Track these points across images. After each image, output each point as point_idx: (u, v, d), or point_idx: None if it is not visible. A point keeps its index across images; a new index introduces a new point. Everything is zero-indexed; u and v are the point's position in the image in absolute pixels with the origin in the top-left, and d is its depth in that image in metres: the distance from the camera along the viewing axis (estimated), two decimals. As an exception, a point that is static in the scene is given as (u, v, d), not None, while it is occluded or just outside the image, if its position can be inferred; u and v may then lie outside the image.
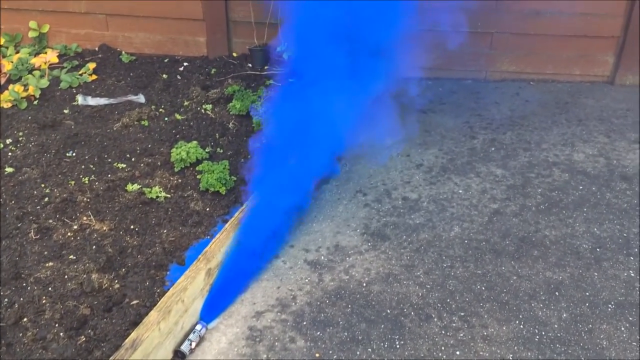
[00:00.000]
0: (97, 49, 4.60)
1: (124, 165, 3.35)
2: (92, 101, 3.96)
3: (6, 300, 2.49)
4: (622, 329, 2.51)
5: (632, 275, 2.77)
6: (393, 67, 4.38)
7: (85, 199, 3.07)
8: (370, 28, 3.37)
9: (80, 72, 4.27)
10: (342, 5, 3.06)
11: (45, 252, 2.75)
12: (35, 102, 3.96)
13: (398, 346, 2.43)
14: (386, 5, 3.39)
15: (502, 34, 4.41)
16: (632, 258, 2.87)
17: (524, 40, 4.41)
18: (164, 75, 4.32)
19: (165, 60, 4.54)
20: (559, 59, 4.46)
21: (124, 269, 2.69)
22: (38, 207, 3.02)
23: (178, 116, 3.82)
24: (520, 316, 2.57)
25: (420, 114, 4.10)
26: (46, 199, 3.07)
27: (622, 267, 2.82)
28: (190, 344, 2.42)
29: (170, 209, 3.05)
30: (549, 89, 4.45)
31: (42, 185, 3.17)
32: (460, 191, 3.34)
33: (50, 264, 2.68)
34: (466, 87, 4.48)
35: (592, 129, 3.92)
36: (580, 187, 3.36)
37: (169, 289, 2.49)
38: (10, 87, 3.97)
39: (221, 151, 3.52)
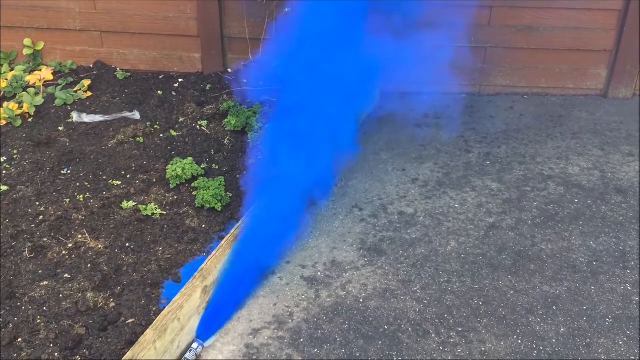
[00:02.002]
0: (92, 65, 4.61)
1: (119, 183, 3.34)
2: (87, 118, 3.96)
3: (0, 320, 2.47)
4: (620, 343, 2.50)
5: (629, 288, 2.77)
6: (387, 82, 4.41)
7: (80, 216, 3.05)
8: (362, 43, 3.39)
9: (75, 89, 4.27)
10: (335, 20, 3.08)
11: (40, 271, 2.73)
12: (30, 120, 3.95)
13: (396, 363, 2.42)
14: (379, 22, 3.42)
15: (496, 49, 4.44)
16: (628, 271, 2.87)
17: (517, 54, 4.44)
18: (159, 92, 4.32)
19: (160, 77, 4.55)
20: (553, 73, 4.49)
21: (119, 287, 2.67)
22: (33, 225, 3.00)
23: (173, 132, 3.82)
24: (518, 331, 2.56)
25: (415, 128, 4.11)
26: (41, 217, 3.05)
27: (618, 281, 2.82)
28: (187, 363, 2.40)
29: (166, 226, 3.04)
30: (542, 102, 4.47)
31: (37, 203, 3.15)
32: (456, 205, 3.34)
33: (45, 283, 2.66)
34: (460, 101, 4.49)
35: (586, 142, 3.94)
36: (576, 201, 3.37)
37: (165, 307, 2.47)
38: (5, 104, 3.97)
39: (217, 167, 3.51)
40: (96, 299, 2.57)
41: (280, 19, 3.80)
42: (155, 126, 3.90)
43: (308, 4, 3.12)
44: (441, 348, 2.48)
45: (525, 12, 4.29)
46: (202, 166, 3.46)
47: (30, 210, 3.10)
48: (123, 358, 2.22)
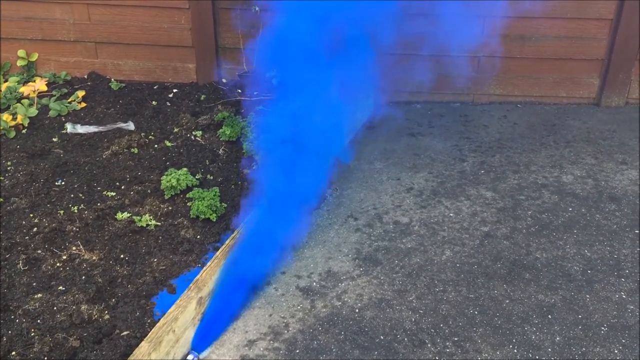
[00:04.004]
0: (86, 76, 4.61)
1: (114, 194, 3.34)
2: (81, 129, 3.95)
3: (-6, 333, 2.46)
4: (616, 351, 2.50)
5: (624, 297, 2.78)
6: (381, 91, 4.43)
7: (74, 228, 3.04)
8: (357, 52, 3.41)
9: (69, 100, 4.27)
10: (327, 29, 3.09)
11: (34, 283, 2.71)
12: (24, 131, 3.94)
13: (392, 373, 2.41)
14: (372, 30, 3.43)
15: (489, 58, 4.46)
16: (623, 279, 2.88)
17: (510, 63, 4.46)
18: (154, 102, 4.32)
19: (155, 87, 4.55)
20: (545, 82, 4.52)
21: (114, 299, 2.66)
22: (27, 237, 2.99)
23: (168, 143, 3.82)
24: (514, 340, 2.56)
25: (410, 137, 4.12)
26: (35, 229, 3.04)
27: (613, 289, 2.83)
28: (182, 375, 2.39)
29: (160, 237, 3.03)
30: (536, 111, 4.49)
31: (31, 215, 3.14)
32: (451, 214, 3.34)
33: (39, 295, 2.65)
34: (454, 110, 4.51)
35: (579, 151, 3.96)
36: (570, 209, 3.38)
37: (159, 319, 2.46)
38: (-1, 116, 3.96)
39: (211, 178, 3.51)
40: (90, 311, 2.55)
41: (270, 28, 3.81)
42: (150, 137, 3.90)
43: (297, 11, 3.14)
44: (437, 358, 2.48)
45: (519, 22, 4.32)
46: (196, 177, 3.46)
47: (24, 222, 3.09)
48: (118, 371, 2.22)
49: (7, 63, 4.59)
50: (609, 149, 3.97)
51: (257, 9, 4.14)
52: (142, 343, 2.32)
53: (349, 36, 3.51)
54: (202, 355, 2.50)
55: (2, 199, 3.26)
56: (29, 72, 4.58)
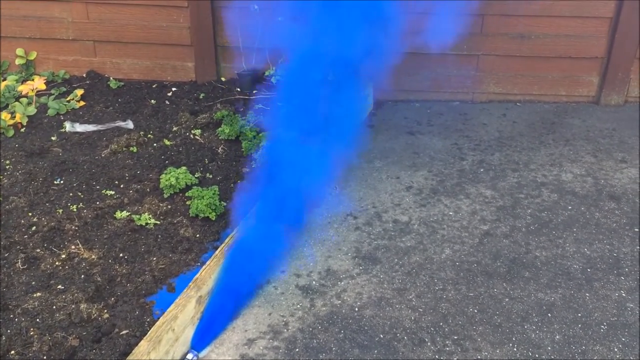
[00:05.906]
0: (85, 75, 4.60)
1: (113, 192, 3.33)
2: (80, 128, 3.95)
3: (-7, 332, 2.45)
4: (616, 350, 2.50)
5: (624, 295, 2.78)
6: (381, 90, 4.42)
7: (73, 227, 3.04)
8: (357, 51, 3.40)
9: (68, 99, 4.26)
10: (328, 28, 3.09)
11: (33, 282, 2.71)
12: (23, 130, 3.94)
13: (392, 372, 2.41)
14: (372, 29, 3.43)
15: (488, 56, 4.46)
16: (622, 278, 2.88)
17: (510, 62, 4.46)
18: (153, 101, 4.32)
19: (154, 86, 4.55)
20: (545, 80, 4.51)
21: (113, 298, 2.65)
22: (25, 236, 2.99)
23: (167, 142, 3.81)
24: (514, 339, 2.56)
25: (409, 136, 4.12)
26: (34, 228, 3.03)
27: (613, 287, 2.82)
28: (182, 374, 2.39)
29: (159, 236, 3.03)
30: (535, 109, 4.49)
31: (30, 214, 3.14)
32: (451, 213, 3.34)
33: (38, 294, 2.64)
34: (453, 108, 4.51)
35: (579, 149, 3.96)
36: (570, 207, 3.38)
37: (159, 318, 2.46)
38: (-3, 114, 3.96)
39: (211, 176, 3.51)
40: (90, 310, 2.55)
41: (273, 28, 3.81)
42: (149, 135, 3.89)
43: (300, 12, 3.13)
44: (437, 356, 2.47)
45: (518, 20, 4.32)
46: (196, 175, 3.45)
47: (23, 221, 3.08)
48: (117, 370, 2.21)
49: (6, 62, 4.59)
50: (608, 148, 3.97)
51: (256, 7, 4.13)
52: (142, 342, 2.31)
53: (349, 35, 3.50)
54: (201, 354, 2.49)
55: (1, 198, 3.25)
56: (27, 71, 4.57)
